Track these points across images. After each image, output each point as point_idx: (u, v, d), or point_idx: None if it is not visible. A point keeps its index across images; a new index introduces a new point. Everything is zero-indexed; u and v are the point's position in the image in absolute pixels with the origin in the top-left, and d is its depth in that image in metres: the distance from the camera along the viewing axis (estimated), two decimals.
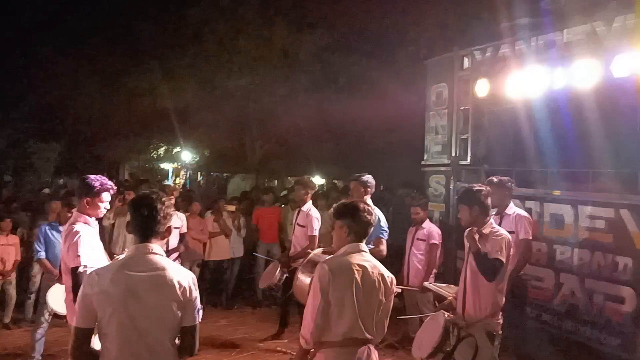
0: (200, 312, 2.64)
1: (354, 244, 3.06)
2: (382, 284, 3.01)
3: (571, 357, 5.82)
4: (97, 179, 3.83)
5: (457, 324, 3.75)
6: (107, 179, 3.91)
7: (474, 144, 7.52)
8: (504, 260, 3.74)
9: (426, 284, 5.91)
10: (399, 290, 5.83)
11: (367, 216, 3.09)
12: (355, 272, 2.95)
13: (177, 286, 2.52)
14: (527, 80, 6.24)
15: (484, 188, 4.01)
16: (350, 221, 3.08)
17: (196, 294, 2.60)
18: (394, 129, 13.86)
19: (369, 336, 2.97)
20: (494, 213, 5.17)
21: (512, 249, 3.97)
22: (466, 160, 7.57)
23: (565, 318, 5.93)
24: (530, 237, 5.21)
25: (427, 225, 6.50)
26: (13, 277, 6.78)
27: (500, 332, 3.79)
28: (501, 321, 3.81)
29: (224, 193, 14.62)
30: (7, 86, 17.50)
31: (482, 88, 6.96)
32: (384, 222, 5.30)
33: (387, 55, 14.09)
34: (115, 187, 4.01)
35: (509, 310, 4.70)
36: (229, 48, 16.24)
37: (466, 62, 7.62)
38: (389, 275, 3.08)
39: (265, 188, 12.63)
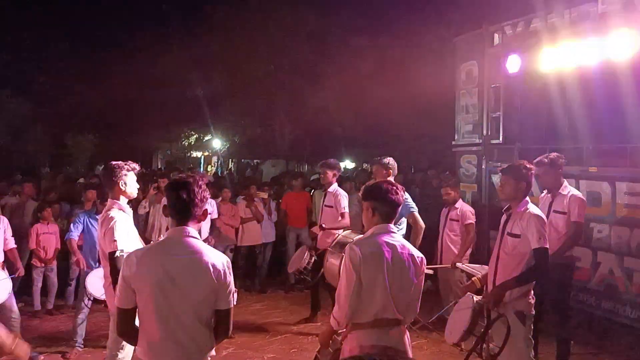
0: (235, 295, 2.67)
1: (383, 224, 3.03)
2: (412, 264, 2.99)
3: (610, 337, 5.70)
4: (119, 163, 3.94)
5: (487, 306, 3.70)
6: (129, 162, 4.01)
7: (506, 122, 7.37)
8: (547, 245, 3.67)
9: (458, 264, 5.86)
10: (431, 272, 5.84)
11: (393, 196, 3.03)
12: (386, 252, 2.93)
13: (211, 269, 2.55)
14: (561, 55, 6.05)
15: (534, 168, 3.97)
16: (375, 202, 3.04)
17: (230, 277, 2.63)
18: (423, 110, 13.68)
19: (400, 317, 2.97)
20: (545, 192, 5.05)
21: (549, 229, 3.89)
22: (498, 139, 7.42)
23: (604, 298, 5.80)
24: (583, 220, 4.88)
25: (460, 205, 6.44)
26: (54, 264, 7.01)
27: (532, 312, 3.72)
28: (533, 301, 3.74)
29: (254, 179, 14.78)
30: (42, 80, 18.01)
31: (513, 64, 6.79)
32: (410, 200, 5.37)
33: (414, 35, 13.87)
34: (138, 167, 4.09)
35: (553, 292, 4.61)
36: (257, 34, 16.27)
37: (496, 39, 7.45)
38: (418, 255, 3.06)
39: (294, 173, 12.68)
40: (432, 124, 13.18)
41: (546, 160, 4.88)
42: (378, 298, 2.91)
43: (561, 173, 4.97)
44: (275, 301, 7.69)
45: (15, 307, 5.29)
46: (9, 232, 5.64)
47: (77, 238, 6.02)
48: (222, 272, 2.58)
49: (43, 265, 6.90)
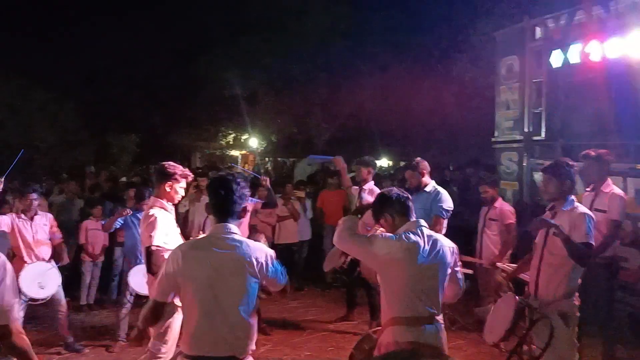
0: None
1: (409, 222, 3.05)
2: (445, 257, 2.99)
3: None
4: (176, 166, 3.98)
5: (530, 306, 3.61)
6: (185, 169, 4.06)
7: (549, 117, 7.19)
8: (594, 243, 3.56)
9: (498, 264, 5.74)
10: (471, 272, 5.73)
11: (394, 193, 3.12)
12: (419, 248, 2.92)
13: (255, 263, 2.63)
14: (606, 48, 5.84)
15: (576, 165, 3.87)
16: (386, 209, 3.11)
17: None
18: (462, 107, 13.47)
19: (435, 311, 2.95)
20: (589, 189, 4.90)
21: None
22: (540, 135, 7.25)
23: None
24: (619, 219, 4.68)
25: (499, 204, 6.28)
26: (101, 259, 7.23)
27: (577, 313, 3.60)
28: (577, 302, 3.62)
29: (290, 178, 14.83)
30: (86, 81, 18.61)
31: (557, 58, 6.61)
32: (448, 203, 5.15)
33: (453, 30, 13.65)
34: (192, 176, 4.15)
35: (597, 294, 4.46)
36: (293, 32, 16.34)
37: (538, 32, 7.27)
38: (451, 245, 3.07)
39: (330, 171, 12.65)
40: (471, 121, 12.95)
41: (593, 153, 4.74)
42: (413, 294, 2.91)
43: (607, 170, 4.80)
44: (312, 299, 7.70)
45: (63, 301, 5.50)
46: (55, 226, 5.81)
47: (113, 229, 6.21)
48: (264, 264, 2.66)
49: (91, 260, 7.13)
